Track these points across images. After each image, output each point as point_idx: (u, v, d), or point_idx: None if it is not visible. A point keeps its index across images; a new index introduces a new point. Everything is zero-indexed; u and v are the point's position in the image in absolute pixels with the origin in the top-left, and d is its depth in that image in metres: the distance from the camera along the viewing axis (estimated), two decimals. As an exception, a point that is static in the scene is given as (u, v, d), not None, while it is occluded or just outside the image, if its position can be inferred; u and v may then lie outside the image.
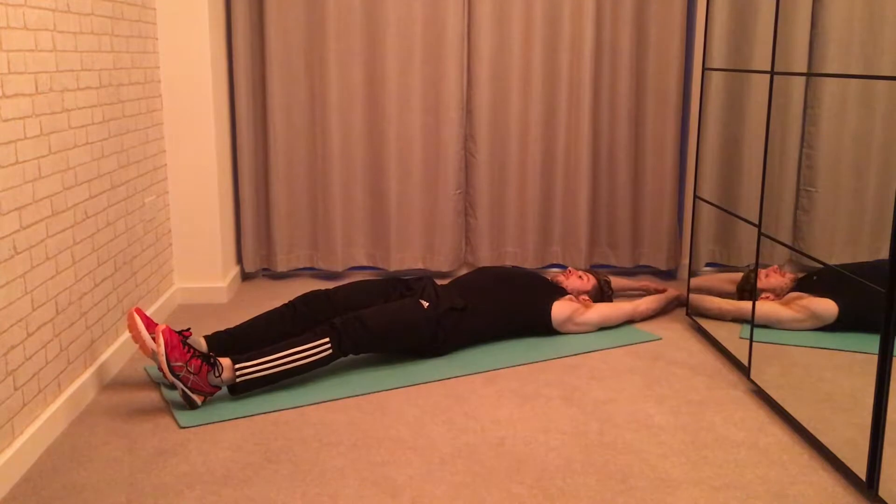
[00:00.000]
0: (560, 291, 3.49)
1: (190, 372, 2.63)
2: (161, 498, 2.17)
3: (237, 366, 2.70)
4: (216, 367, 2.67)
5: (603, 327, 3.45)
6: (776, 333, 2.81)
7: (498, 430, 2.56)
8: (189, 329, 2.91)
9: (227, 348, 2.91)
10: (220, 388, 2.72)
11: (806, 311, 2.67)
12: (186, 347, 2.67)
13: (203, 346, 2.90)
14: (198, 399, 2.66)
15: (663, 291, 3.77)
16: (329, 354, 2.83)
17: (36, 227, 2.42)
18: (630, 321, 3.52)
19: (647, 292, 3.87)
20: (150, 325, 2.77)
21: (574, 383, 2.92)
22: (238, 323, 3.10)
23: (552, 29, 4.02)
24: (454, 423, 2.61)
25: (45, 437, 2.43)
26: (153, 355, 2.71)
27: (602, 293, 3.69)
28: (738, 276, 3.15)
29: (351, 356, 2.99)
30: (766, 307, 2.81)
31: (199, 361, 2.66)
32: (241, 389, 2.73)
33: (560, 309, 3.34)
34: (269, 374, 2.75)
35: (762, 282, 2.83)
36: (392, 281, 3.31)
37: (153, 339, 2.70)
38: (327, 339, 2.83)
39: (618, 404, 2.76)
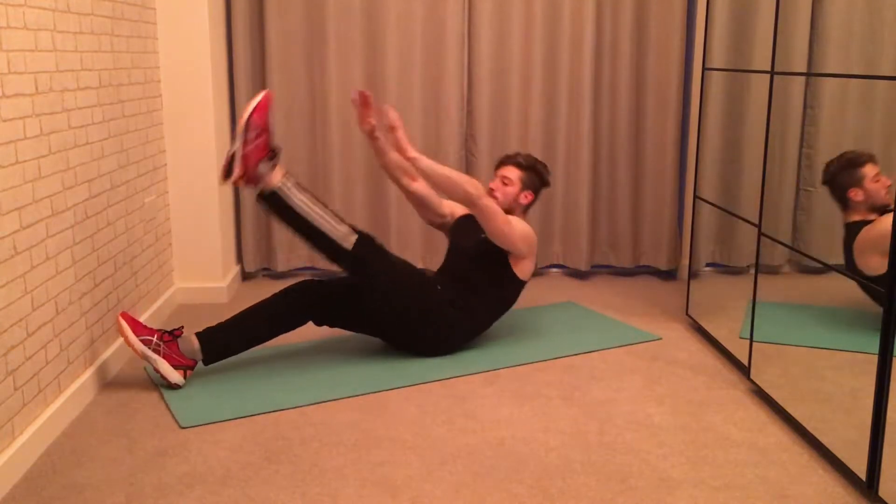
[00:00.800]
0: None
1: (255, 140, 2.66)
2: (161, 498, 2.17)
3: (284, 179, 2.78)
4: (275, 159, 2.75)
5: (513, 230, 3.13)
6: (776, 333, 2.81)
7: (498, 430, 2.56)
8: (181, 327, 2.90)
9: (222, 344, 2.91)
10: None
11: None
12: (267, 125, 2.72)
13: (194, 343, 2.88)
14: (238, 169, 2.70)
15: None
16: (345, 249, 2.88)
17: (36, 227, 2.42)
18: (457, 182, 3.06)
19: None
20: (139, 327, 2.78)
21: (574, 383, 2.93)
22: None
23: (552, 29, 4.02)
24: (454, 423, 2.61)
25: (45, 437, 2.43)
26: (144, 357, 2.78)
27: (540, 178, 3.31)
28: None
29: (352, 354, 2.98)
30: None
31: (268, 145, 2.72)
32: (270, 199, 2.80)
33: (519, 267, 3.20)
34: (298, 210, 2.81)
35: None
36: None
37: (148, 340, 2.78)
38: (357, 236, 2.91)
39: (618, 404, 2.76)
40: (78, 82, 2.71)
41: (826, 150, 2.62)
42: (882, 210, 2.32)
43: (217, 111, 3.72)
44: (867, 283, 2.23)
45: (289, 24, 3.96)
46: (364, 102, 3.13)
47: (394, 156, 3.26)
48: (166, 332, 2.83)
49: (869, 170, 2.43)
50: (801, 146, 2.68)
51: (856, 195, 2.46)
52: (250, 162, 2.64)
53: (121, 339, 3.06)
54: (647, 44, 4.07)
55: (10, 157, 2.26)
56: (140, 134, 3.31)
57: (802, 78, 2.66)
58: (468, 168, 4.15)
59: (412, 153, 3.02)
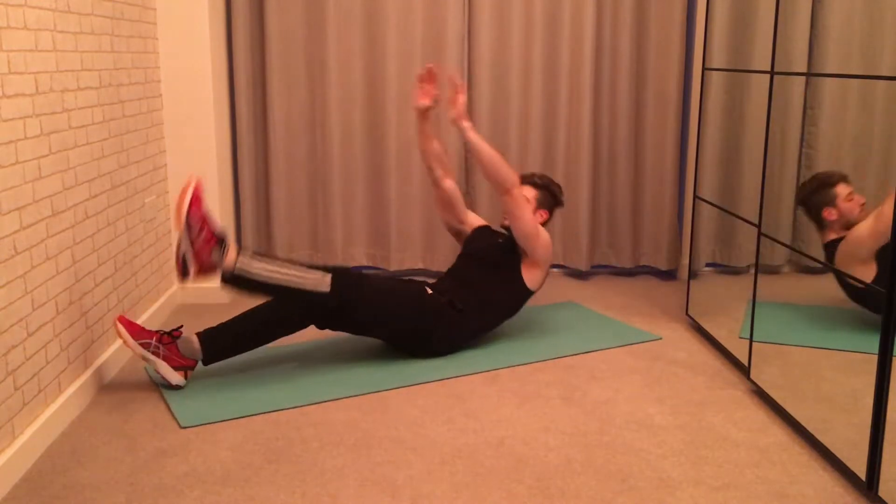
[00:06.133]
0: (512, 242, 3.26)
1: (201, 234, 2.68)
2: (161, 498, 2.17)
3: (240, 257, 2.76)
4: (224, 248, 2.73)
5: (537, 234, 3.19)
6: (776, 333, 2.81)
7: (498, 430, 2.56)
8: (181, 327, 2.90)
9: (222, 344, 2.91)
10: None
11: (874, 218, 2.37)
12: (206, 214, 2.73)
13: (195, 343, 2.87)
14: (192, 267, 2.71)
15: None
16: (325, 292, 2.85)
17: (36, 227, 2.42)
18: (494, 178, 3.13)
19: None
20: (136, 330, 2.78)
21: (574, 383, 2.93)
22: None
23: (552, 29, 4.02)
24: (454, 423, 2.61)
25: (45, 437, 2.43)
26: (144, 359, 2.78)
27: (554, 198, 3.40)
28: None
29: (352, 354, 2.98)
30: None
31: (212, 234, 2.72)
32: (232, 281, 2.79)
33: (530, 276, 3.24)
34: (263, 280, 2.79)
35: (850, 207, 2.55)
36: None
37: (147, 343, 2.79)
38: (330, 276, 2.87)
39: (618, 404, 2.76)
40: (78, 82, 2.71)
41: (826, 150, 2.62)
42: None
43: (217, 111, 3.73)
44: (860, 291, 2.23)
45: (289, 23, 3.96)
46: (430, 78, 3.21)
47: (437, 145, 3.36)
48: (165, 333, 2.83)
49: (841, 189, 2.50)
50: (801, 146, 2.68)
51: (830, 214, 2.52)
52: (203, 257, 2.68)
53: (121, 340, 3.06)
54: (647, 44, 4.07)
55: (10, 157, 2.26)
56: (140, 134, 3.31)
57: (802, 78, 2.66)
58: (468, 168, 4.15)
59: (468, 122, 3.09)
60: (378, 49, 3.99)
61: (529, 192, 3.33)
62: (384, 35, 3.97)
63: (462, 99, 3.11)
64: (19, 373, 2.31)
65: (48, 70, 2.50)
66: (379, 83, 4.02)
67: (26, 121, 2.36)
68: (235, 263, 2.74)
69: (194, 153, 3.67)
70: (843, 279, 2.45)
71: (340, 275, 2.91)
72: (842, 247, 2.45)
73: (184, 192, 2.69)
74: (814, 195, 2.61)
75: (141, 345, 2.75)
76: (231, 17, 3.90)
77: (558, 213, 4.18)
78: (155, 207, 3.50)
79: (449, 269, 3.37)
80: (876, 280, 2.18)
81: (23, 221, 2.34)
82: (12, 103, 2.28)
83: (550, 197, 3.38)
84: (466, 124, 3.10)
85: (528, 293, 3.28)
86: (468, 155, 4.13)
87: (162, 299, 3.56)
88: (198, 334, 2.89)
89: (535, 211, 3.32)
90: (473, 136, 3.10)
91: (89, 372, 2.77)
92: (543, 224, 3.35)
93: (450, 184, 3.43)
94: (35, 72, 2.42)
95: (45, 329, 2.47)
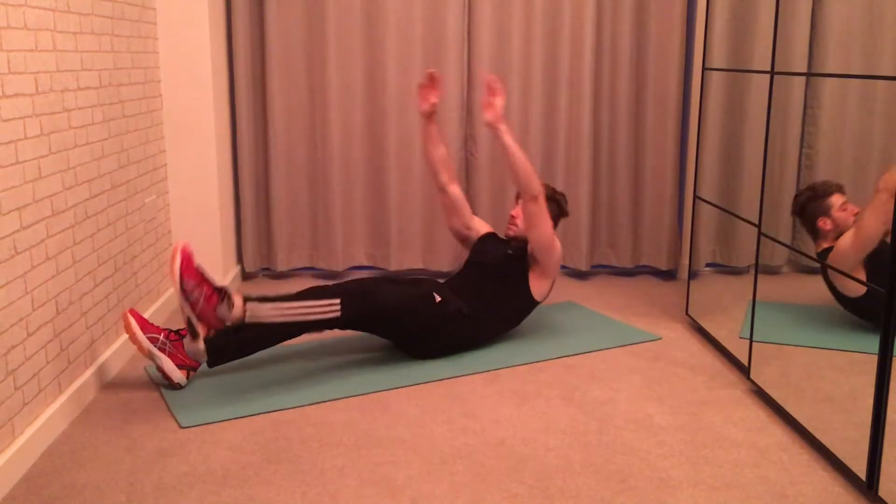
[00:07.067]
0: (521, 252, 3.27)
1: (202, 295, 2.63)
2: (161, 498, 2.17)
3: (249, 304, 2.72)
4: (228, 301, 2.68)
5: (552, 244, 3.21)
6: (776, 333, 2.81)
7: (498, 430, 2.56)
8: (185, 328, 2.90)
9: (225, 346, 2.91)
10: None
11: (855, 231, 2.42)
12: (200, 273, 2.67)
13: (200, 345, 2.87)
14: (201, 330, 2.70)
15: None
16: (336, 316, 2.83)
17: (36, 227, 2.42)
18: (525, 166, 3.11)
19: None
20: (146, 325, 2.79)
21: (574, 383, 2.93)
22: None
23: (552, 29, 4.02)
24: (454, 423, 2.61)
25: (45, 437, 2.43)
26: (150, 355, 2.75)
27: (560, 209, 3.39)
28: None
29: (352, 354, 2.98)
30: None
31: (213, 289, 2.67)
32: (246, 329, 2.75)
33: (537, 286, 3.25)
34: (276, 322, 2.76)
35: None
36: (392, 279, 3.30)
37: (155, 338, 2.76)
38: (338, 301, 2.84)
39: (618, 404, 2.76)
40: (78, 82, 2.71)
41: (826, 150, 2.62)
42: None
43: (217, 111, 3.73)
44: (852, 300, 2.23)
45: (289, 23, 3.96)
46: (432, 82, 3.24)
47: (443, 150, 3.38)
48: (172, 331, 2.84)
49: (836, 199, 2.54)
50: (801, 146, 2.68)
51: (825, 224, 2.55)
52: (208, 316, 2.66)
53: (121, 340, 3.06)
54: (647, 44, 4.07)
55: (10, 157, 2.26)
56: (140, 134, 3.31)
57: (802, 78, 2.66)
58: (468, 168, 4.15)
59: (504, 125, 3.09)
60: (378, 49, 3.99)
61: None
62: (384, 35, 3.97)
63: (500, 101, 3.08)
64: (19, 373, 2.31)
65: (48, 70, 2.50)
66: (379, 83, 4.02)
67: (26, 121, 2.36)
68: (244, 313, 2.72)
69: (194, 153, 3.67)
70: (836, 291, 2.48)
71: (349, 296, 2.88)
72: (830, 258, 2.49)
73: (172, 258, 2.65)
74: (809, 205, 2.64)
75: (149, 338, 2.75)
76: (231, 17, 3.90)
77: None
78: (155, 207, 3.50)
79: (457, 275, 3.37)
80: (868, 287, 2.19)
81: (23, 221, 2.34)
82: (12, 103, 2.28)
83: (557, 208, 3.37)
84: (503, 127, 3.08)
85: (534, 304, 3.31)
86: (468, 156, 4.13)
87: (162, 299, 3.56)
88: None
89: None
90: (509, 140, 3.08)
91: (89, 372, 2.77)
92: None
93: (455, 189, 3.44)
94: (35, 72, 2.42)
95: (45, 329, 2.47)
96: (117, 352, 3.01)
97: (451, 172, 3.44)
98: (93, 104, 2.83)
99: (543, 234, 3.16)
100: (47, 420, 2.44)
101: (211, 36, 3.63)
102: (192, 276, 2.63)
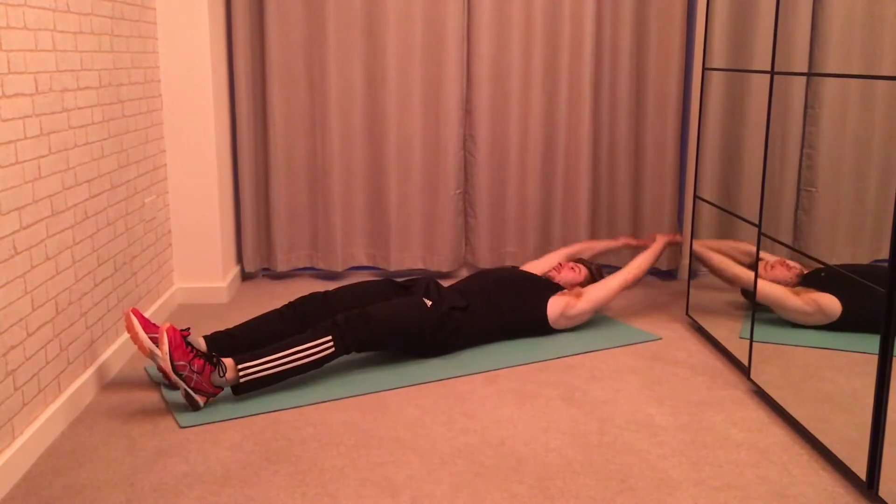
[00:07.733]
0: (555, 288, 3.45)
1: (193, 371, 2.63)
2: (161, 498, 2.17)
3: (240, 366, 2.70)
4: (219, 367, 2.66)
5: (598, 310, 3.49)
6: (777, 333, 2.81)
7: (498, 430, 2.56)
8: (188, 329, 2.91)
9: (227, 348, 2.91)
10: (222, 388, 2.72)
11: (814, 304, 2.60)
12: (189, 347, 2.67)
13: (202, 345, 2.91)
14: (200, 400, 2.66)
15: (646, 246, 3.73)
16: (331, 352, 2.83)
17: (36, 227, 2.42)
18: (626, 288, 3.51)
19: (632, 249, 3.92)
20: (148, 325, 2.78)
21: (574, 383, 2.92)
22: (237, 323, 3.10)
23: (552, 29, 4.02)
24: (454, 423, 2.61)
25: (45, 437, 2.43)
26: (151, 355, 2.72)
27: (594, 281, 3.62)
28: (753, 249, 2.98)
29: (353, 354, 2.98)
30: (775, 289, 2.75)
31: (203, 361, 2.66)
32: (244, 389, 2.73)
33: (553, 306, 3.33)
34: (273, 374, 2.74)
35: (766, 273, 2.80)
36: (391, 283, 3.31)
37: (156, 338, 2.72)
38: (329, 338, 2.83)
39: (618, 404, 2.75)
40: (78, 82, 2.71)
41: (826, 151, 2.62)
42: (795, 285, 2.74)
43: (217, 111, 3.73)
44: (868, 284, 2.23)
45: (289, 23, 3.96)
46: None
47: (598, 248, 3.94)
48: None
49: (766, 265, 2.83)
50: (801, 146, 2.68)
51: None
52: (205, 387, 2.66)
53: (121, 340, 3.06)
54: (647, 44, 4.07)
55: (10, 157, 2.26)
56: (140, 134, 3.31)
57: (803, 78, 2.66)
58: (468, 168, 4.15)
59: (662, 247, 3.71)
60: (378, 49, 3.99)
61: (583, 271, 3.59)
62: (384, 35, 3.97)
63: (635, 243, 3.85)
64: (19, 373, 2.31)
65: (48, 70, 2.50)
66: (379, 83, 4.02)
67: (26, 121, 2.36)
68: (237, 374, 2.71)
69: (194, 153, 3.67)
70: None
71: (340, 329, 2.86)
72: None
73: (161, 346, 2.63)
74: None
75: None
76: (231, 17, 3.90)
77: (558, 212, 4.20)
78: (155, 207, 3.50)
79: (469, 283, 3.39)
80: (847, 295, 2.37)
81: (23, 221, 2.34)
82: (12, 103, 2.28)
83: (591, 279, 3.63)
84: (660, 247, 3.66)
85: (545, 323, 3.34)
86: (468, 156, 4.13)
87: (162, 299, 3.56)
88: (205, 337, 2.91)
89: (579, 285, 3.55)
90: (654, 259, 3.60)
91: (89, 372, 2.77)
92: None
93: (556, 258, 3.76)
94: (35, 72, 2.42)
95: (45, 329, 2.47)
96: (117, 352, 3.01)
97: (572, 257, 3.76)
98: (92, 104, 2.83)
99: (587, 309, 3.40)
100: (47, 420, 2.44)
101: (211, 36, 3.63)
102: (181, 355, 2.63)
